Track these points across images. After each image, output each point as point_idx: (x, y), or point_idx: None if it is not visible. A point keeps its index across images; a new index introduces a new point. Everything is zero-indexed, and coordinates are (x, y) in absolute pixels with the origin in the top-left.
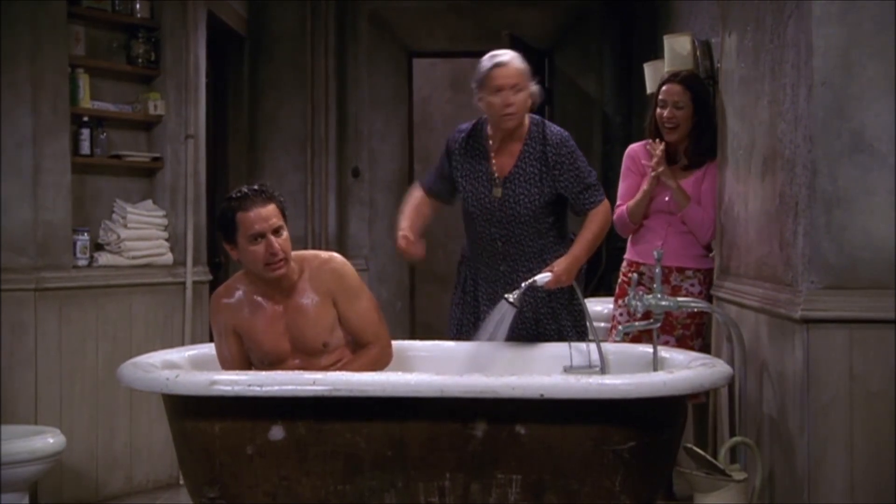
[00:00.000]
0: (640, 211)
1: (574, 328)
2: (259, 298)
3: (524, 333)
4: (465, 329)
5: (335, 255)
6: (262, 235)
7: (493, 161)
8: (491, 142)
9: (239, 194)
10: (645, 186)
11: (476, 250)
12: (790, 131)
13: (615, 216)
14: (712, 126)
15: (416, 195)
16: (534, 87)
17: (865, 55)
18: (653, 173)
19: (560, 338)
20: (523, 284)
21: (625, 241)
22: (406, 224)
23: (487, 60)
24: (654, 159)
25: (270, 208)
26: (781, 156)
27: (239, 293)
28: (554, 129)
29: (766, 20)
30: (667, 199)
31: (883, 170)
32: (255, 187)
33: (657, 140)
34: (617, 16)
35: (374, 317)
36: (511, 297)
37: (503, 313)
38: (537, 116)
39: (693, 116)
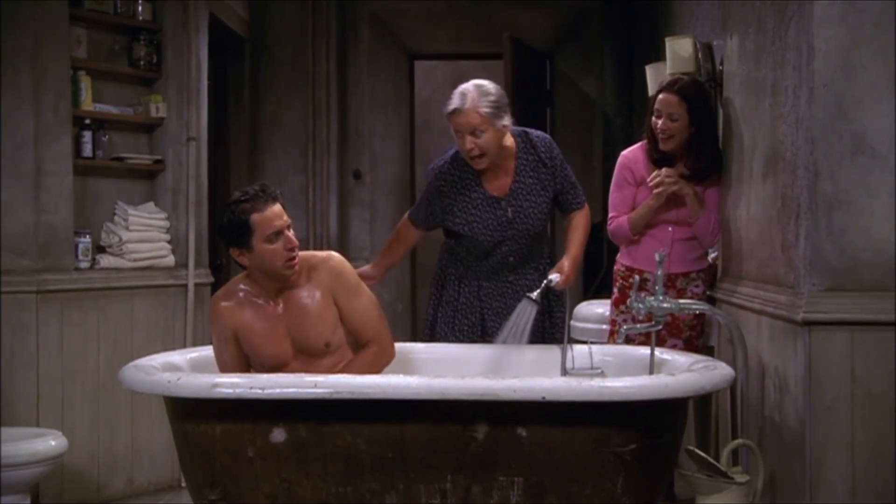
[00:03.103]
0: (643, 223)
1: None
2: (260, 301)
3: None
4: None
5: (333, 253)
6: (280, 233)
7: (486, 185)
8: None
9: (245, 197)
10: (651, 202)
11: (481, 269)
12: (791, 133)
13: (612, 226)
14: (713, 138)
15: (408, 231)
16: (505, 121)
17: (866, 57)
18: (655, 188)
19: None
20: (543, 283)
21: None
22: (374, 263)
23: (449, 102)
24: (665, 181)
25: (279, 205)
26: (783, 158)
27: (239, 296)
28: (537, 133)
29: (767, 22)
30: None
31: (884, 171)
32: (258, 188)
33: (664, 169)
34: (618, 17)
35: (375, 314)
36: (533, 295)
37: (528, 312)
38: (518, 128)
39: (689, 126)
